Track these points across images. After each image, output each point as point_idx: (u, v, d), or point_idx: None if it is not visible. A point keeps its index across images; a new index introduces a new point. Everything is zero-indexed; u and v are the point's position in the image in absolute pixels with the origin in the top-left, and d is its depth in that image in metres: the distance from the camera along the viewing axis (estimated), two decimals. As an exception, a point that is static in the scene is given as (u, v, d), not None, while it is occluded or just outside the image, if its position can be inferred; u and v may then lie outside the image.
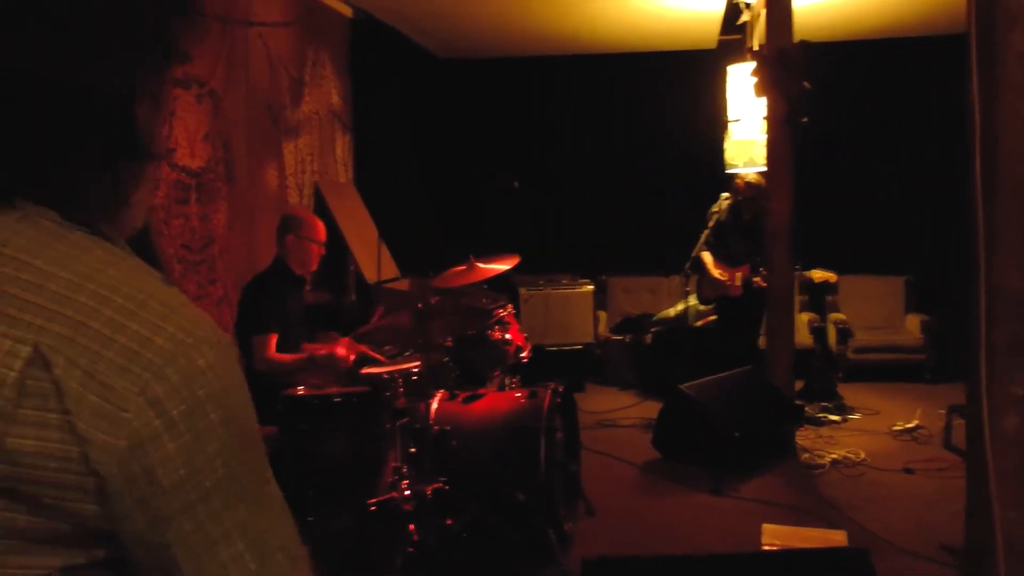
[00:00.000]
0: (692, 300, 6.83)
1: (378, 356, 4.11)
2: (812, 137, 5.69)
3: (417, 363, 4.05)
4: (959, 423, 5.30)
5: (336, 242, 6.16)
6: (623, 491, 4.66)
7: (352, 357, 3.88)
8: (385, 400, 3.70)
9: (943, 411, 5.69)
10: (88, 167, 0.72)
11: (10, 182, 0.68)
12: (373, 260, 6.38)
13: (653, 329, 7.41)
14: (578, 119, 8.41)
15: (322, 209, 6.09)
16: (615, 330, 7.91)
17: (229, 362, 0.69)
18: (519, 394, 3.91)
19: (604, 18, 7.05)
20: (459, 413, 3.83)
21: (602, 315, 8.05)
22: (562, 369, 7.44)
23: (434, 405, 3.86)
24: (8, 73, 0.66)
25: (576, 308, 7.53)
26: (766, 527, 3.94)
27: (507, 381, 4.06)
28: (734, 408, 4.90)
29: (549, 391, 3.85)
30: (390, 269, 6.69)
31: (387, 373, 3.80)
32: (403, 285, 6.60)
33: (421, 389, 3.88)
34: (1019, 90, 1.44)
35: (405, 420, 3.69)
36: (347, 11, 6.55)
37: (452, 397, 3.93)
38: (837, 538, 3.82)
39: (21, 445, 0.62)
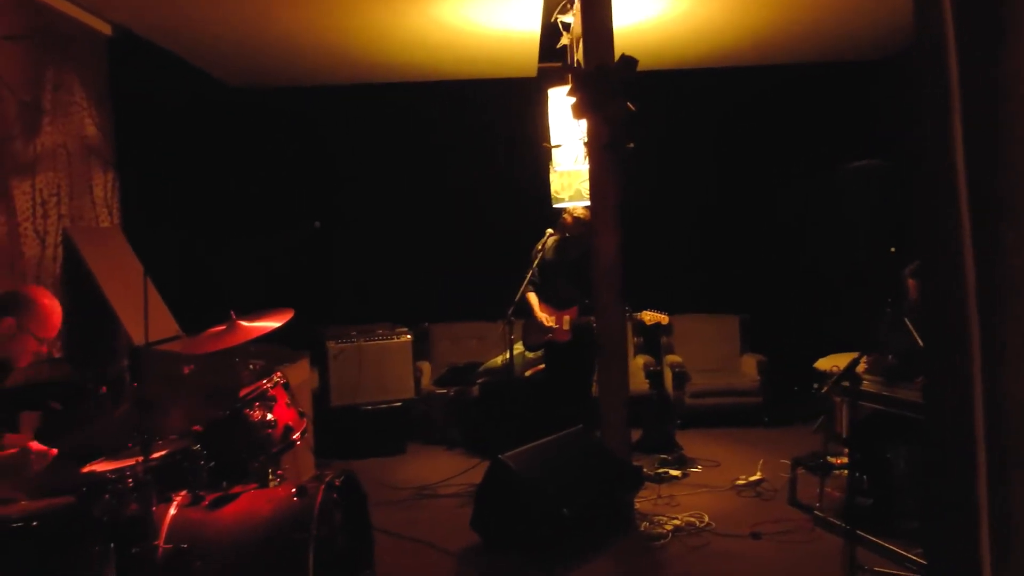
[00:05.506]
0: (519, 347, 6.18)
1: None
2: (639, 167, 5.21)
3: (159, 454, 3.13)
4: (802, 474, 4.90)
5: (96, 301, 5.11)
6: (431, 594, 3.87)
7: (52, 452, 2.91)
8: (102, 509, 2.77)
9: (785, 461, 5.28)
10: None
11: None
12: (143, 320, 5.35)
13: (480, 380, 6.70)
14: (392, 152, 7.65)
15: (75, 261, 5.04)
16: (439, 382, 7.15)
17: None
18: (285, 492, 3.05)
19: (417, 40, 6.37)
20: (202, 523, 2.92)
21: (426, 366, 7.28)
22: (380, 431, 6.63)
23: (171, 512, 2.95)
24: None
25: (393, 361, 6.72)
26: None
27: (271, 473, 3.19)
28: (562, 479, 4.21)
29: (323, 486, 3.03)
30: (168, 327, 5.66)
31: (113, 471, 2.88)
32: (179, 346, 5.58)
33: (155, 492, 2.95)
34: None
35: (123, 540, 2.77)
36: (104, 27, 5.51)
37: (195, 501, 3.02)
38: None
39: None
